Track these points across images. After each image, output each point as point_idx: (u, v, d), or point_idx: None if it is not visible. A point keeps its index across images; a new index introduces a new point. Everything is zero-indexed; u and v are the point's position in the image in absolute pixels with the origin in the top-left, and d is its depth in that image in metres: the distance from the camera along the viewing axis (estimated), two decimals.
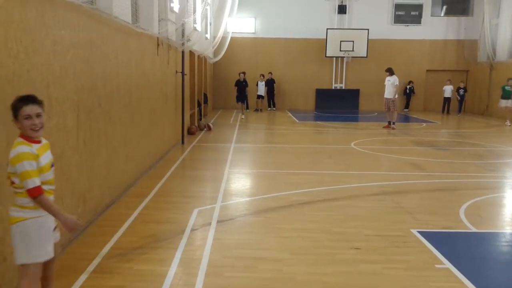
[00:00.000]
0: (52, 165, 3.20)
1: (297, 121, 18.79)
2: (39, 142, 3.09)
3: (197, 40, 14.09)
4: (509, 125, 17.67)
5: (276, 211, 6.35)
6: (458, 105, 22.54)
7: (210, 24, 20.68)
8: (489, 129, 17.11)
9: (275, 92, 23.55)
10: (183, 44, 11.85)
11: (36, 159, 2.99)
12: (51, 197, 3.13)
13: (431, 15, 24.11)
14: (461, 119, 20.93)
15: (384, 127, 16.27)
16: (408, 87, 23.87)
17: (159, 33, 9.61)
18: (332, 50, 23.69)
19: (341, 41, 23.50)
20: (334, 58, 24.33)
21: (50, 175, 3.15)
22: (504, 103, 18.25)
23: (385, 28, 24.05)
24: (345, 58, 24.36)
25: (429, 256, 4.82)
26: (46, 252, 3.13)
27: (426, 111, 24.10)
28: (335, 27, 23.84)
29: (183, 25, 11.80)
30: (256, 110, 22.97)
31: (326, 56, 24.02)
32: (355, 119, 20.54)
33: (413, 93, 24.13)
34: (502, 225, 6.11)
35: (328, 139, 14.37)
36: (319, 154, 11.16)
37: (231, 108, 23.02)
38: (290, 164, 9.84)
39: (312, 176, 8.57)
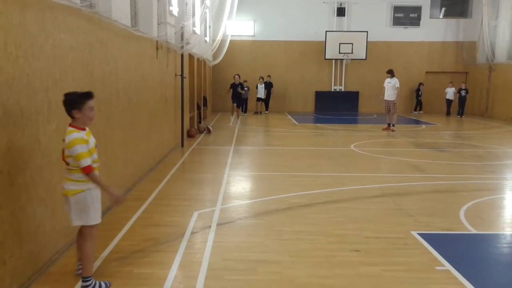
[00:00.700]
0: (96, 146, 3.96)
1: (297, 123, 18.80)
2: (84, 129, 3.87)
3: (196, 43, 14.11)
4: None
5: (276, 214, 6.35)
6: (459, 107, 22.49)
7: (209, 27, 20.72)
8: (489, 130, 17.12)
9: (271, 95, 23.51)
10: (182, 47, 11.87)
11: (86, 143, 3.76)
12: (97, 172, 3.86)
13: (430, 17, 24.16)
14: (461, 121, 20.93)
15: (384, 129, 16.28)
16: (419, 88, 23.71)
17: (158, 36, 9.63)
18: (331, 52, 23.74)
19: (340, 44, 23.56)
20: (333, 61, 24.38)
21: (96, 155, 3.91)
22: None
23: (384, 30, 24.11)
24: (344, 60, 24.41)
25: (430, 258, 4.81)
26: (99, 216, 3.97)
27: (425, 113, 24.10)
28: (334, 30, 23.89)
29: (182, 28, 11.82)
30: (256, 112, 22.98)
31: (325, 59, 24.06)
32: (354, 121, 20.54)
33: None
34: (502, 227, 6.11)
35: (328, 141, 14.38)
36: (318, 156, 11.16)
37: (231, 111, 23.03)
38: (290, 166, 9.84)
39: (311, 178, 8.57)
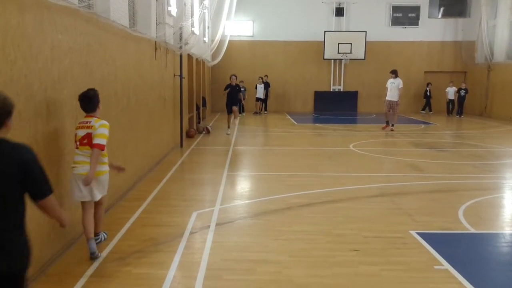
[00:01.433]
0: None
1: (296, 123, 18.80)
2: None
3: (195, 43, 14.10)
4: None
5: (275, 214, 6.35)
6: (458, 107, 22.47)
7: (208, 28, 20.71)
8: (488, 130, 17.14)
9: (268, 96, 23.48)
10: (181, 47, 11.86)
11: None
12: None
13: (429, 17, 24.16)
14: (460, 120, 20.95)
15: (383, 127, 16.27)
16: (427, 89, 23.59)
17: (157, 36, 9.63)
18: (330, 52, 23.74)
19: (339, 44, 23.56)
20: (332, 61, 24.39)
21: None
22: None
23: (383, 30, 24.11)
24: (343, 60, 24.41)
25: (428, 257, 4.82)
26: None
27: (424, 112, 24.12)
28: (333, 30, 23.90)
29: (181, 28, 11.82)
30: (255, 113, 22.98)
31: (324, 59, 24.07)
32: (353, 121, 20.56)
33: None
34: (501, 226, 6.12)
35: (327, 141, 14.38)
36: (317, 156, 11.17)
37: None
38: (289, 166, 9.85)
39: (311, 178, 8.57)
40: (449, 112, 22.97)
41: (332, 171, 9.37)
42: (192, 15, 13.59)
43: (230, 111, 14.97)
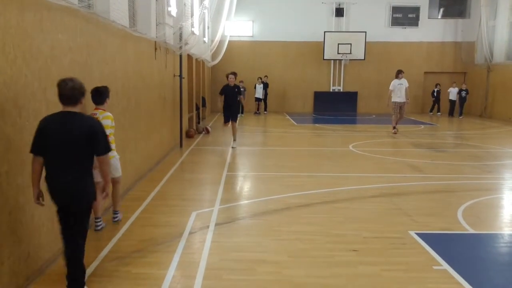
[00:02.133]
0: None
1: (296, 123, 18.81)
2: None
3: (195, 43, 14.10)
4: None
5: (275, 214, 6.36)
6: (459, 108, 22.38)
7: (208, 28, 20.72)
8: (487, 130, 17.15)
9: (267, 95, 23.47)
10: (181, 47, 11.86)
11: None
12: None
13: (428, 18, 24.18)
14: (460, 121, 20.95)
15: (394, 132, 15.24)
16: (435, 89, 23.43)
17: (156, 37, 9.63)
18: (330, 53, 23.75)
19: (338, 44, 23.56)
20: (332, 61, 24.39)
21: None
22: None
23: (383, 31, 24.12)
24: (343, 61, 24.42)
25: (427, 258, 4.83)
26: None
27: (424, 113, 24.13)
28: (333, 30, 23.91)
29: (180, 29, 11.82)
30: (255, 113, 22.98)
31: (324, 59, 24.07)
32: (353, 122, 20.57)
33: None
34: (500, 227, 6.13)
35: (326, 141, 14.39)
36: (317, 156, 11.17)
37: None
38: (288, 166, 9.85)
39: (310, 179, 8.58)
40: (451, 113, 22.87)
41: (332, 172, 9.38)
42: (192, 15, 13.60)
43: (227, 120, 12.22)
